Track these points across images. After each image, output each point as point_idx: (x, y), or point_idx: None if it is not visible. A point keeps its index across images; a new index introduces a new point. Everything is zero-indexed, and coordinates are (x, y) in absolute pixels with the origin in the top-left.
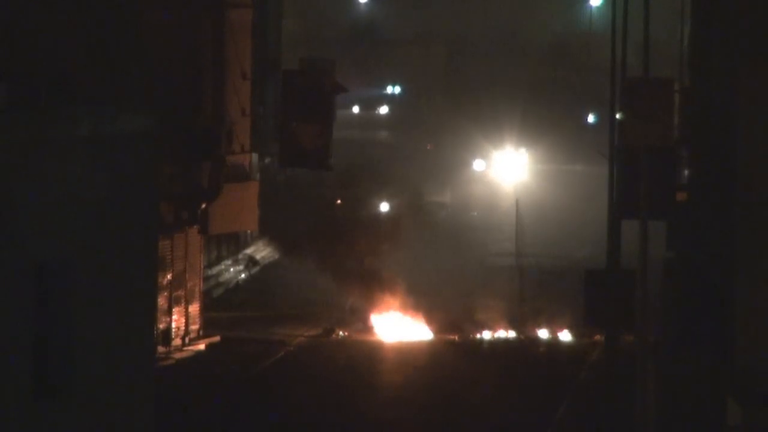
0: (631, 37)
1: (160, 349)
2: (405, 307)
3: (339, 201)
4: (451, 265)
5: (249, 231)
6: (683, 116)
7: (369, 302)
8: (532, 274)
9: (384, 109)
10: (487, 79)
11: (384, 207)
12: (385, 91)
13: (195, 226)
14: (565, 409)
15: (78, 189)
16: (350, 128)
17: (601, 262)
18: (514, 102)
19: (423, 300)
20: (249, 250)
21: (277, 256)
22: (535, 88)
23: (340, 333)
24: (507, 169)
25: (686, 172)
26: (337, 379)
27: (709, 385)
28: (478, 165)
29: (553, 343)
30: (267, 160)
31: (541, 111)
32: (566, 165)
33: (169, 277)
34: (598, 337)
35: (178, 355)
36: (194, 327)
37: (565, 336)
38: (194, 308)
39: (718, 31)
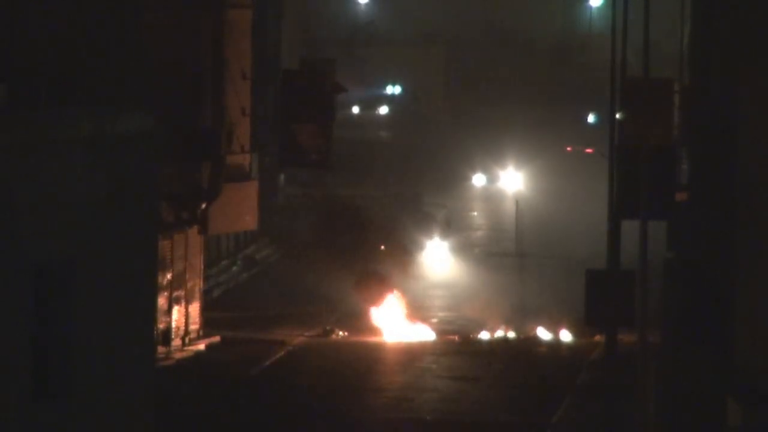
0: (631, 38)
1: (160, 349)
2: (405, 307)
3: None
4: (451, 264)
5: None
6: (683, 116)
7: (369, 302)
8: (532, 273)
9: (384, 109)
10: (486, 81)
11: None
12: (385, 91)
13: (195, 226)
14: (565, 409)
15: (78, 189)
16: (350, 128)
17: (602, 262)
18: (514, 114)
19: (423, 300)
20: (249, 250)
21: (277, 255)
22: (534, 89)
23: (340, 333)
24: (509, 185)
25: (686, 172)
26: (337, 379)
27: (709, 385)
28: (478, 180)
29: (553, 343)
30: (267, 160)
31: (542, 116)
32: (566, 179)
33: (169, 277)
34: (598, 337)
35: (178, 355)
36: (194, 327)
37: (565, 336)
38: (194, 308)
39: (718, 30)
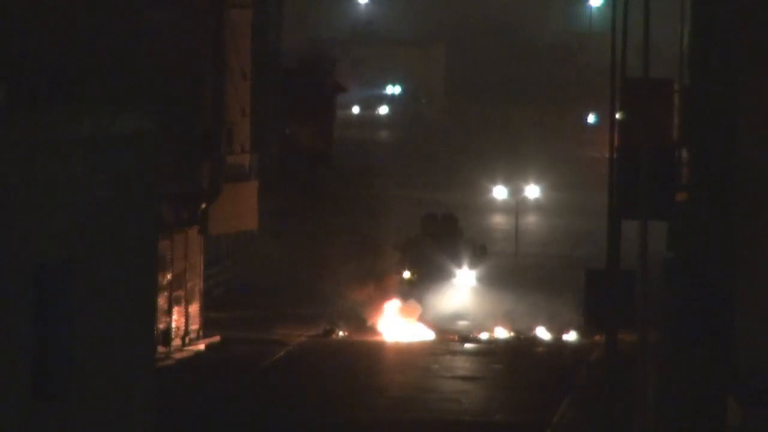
0: (631, 38)
1: (160, 349)
2: (405, 306)
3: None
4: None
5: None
6: (683, 116)
7: (370, 302)
8: (533, 273)
9: (384, 109)
10: (487, 81)
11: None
12: (385, 91)
13: (195, 226)
14: (565, 409)
15: (78, 189)
16: (350, 128)
17: (602, 261)
18: (514, 114)
19: (423, 299)
20: (249, 250)
21: (278, 256)
22: (534, 89)
23: (340, 333)
24: (531, 197)
25: (686, 172)
26: (337, 379)
27: (709, 385)
28: (498, 192)
29: (553, 343)
30: (267, 160)
31: (541, 116)
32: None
33: (169, 277)
34: (598, 337)
35: (178, 355)
36: (194, 327)
37: (565, 336)
38: (194, 308)
39: (718, 31)
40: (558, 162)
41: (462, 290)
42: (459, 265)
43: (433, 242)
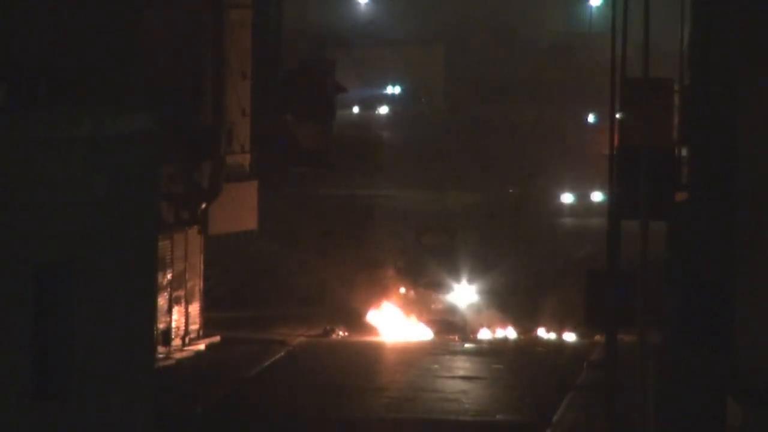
0: (631, 37)
1: (160, 349)
2: (404, 306)
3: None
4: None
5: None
6: (683, 116)
7: (370, 302)
8: (533, 273)
9: (384, 109)
10: (487, 81)
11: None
12: (385, 91)
13: (195, 226)
14: (565, 409)
15: (78, 189)
16: (350, 128)
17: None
18: (513, 114)
19: (424, 297)
20: (249, 250)
21: (278, 256)
22: (534, 89)
23: (340, 333)
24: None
25: (686, 172)
26: (337, 379)
27: (709, 385)
28: (566, 198)
29: (553, 343)
30: (267, 160)
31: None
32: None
33: (169, 277)
34: (598, 337)
35: (178, 355)
36: (194, 327)
37: (565, 336)
38: (194, 308)
39: (718, 31)
40: (571, 162)
41: (459, 302)
42: (457, 279)
43: (428, 255)
